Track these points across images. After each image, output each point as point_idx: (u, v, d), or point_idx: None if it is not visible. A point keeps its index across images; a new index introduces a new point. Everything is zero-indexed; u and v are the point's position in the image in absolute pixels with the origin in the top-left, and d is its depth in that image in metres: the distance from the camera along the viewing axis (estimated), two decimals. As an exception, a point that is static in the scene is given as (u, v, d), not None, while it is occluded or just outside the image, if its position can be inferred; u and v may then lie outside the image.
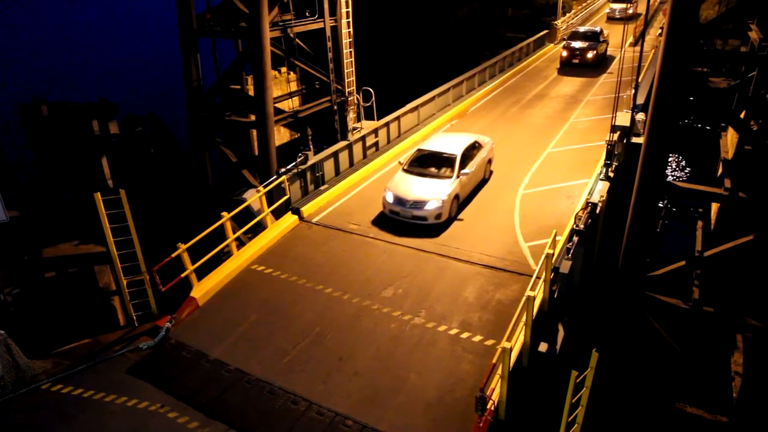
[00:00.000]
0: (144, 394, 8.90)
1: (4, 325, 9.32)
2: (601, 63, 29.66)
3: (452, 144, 14.67)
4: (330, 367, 9.28)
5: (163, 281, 10.28)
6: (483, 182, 15.55)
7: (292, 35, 19.03)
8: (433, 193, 13.17)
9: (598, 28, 30.37)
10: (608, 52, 31.67)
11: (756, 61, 14.30)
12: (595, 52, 28.63)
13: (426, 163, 14.28)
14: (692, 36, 9.49)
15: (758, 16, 15.54)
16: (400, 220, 13.36)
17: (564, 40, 30.64)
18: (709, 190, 10.89)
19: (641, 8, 41.41)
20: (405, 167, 14.29)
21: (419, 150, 14.76)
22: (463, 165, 13.98)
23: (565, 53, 29.23)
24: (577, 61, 28.84)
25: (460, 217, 13.87)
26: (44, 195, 17.27)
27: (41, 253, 14.12)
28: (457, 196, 13.67)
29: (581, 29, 30.94)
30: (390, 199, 13.50)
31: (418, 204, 13.08)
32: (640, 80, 16.34)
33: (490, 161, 15.94)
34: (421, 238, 12.90)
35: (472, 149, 14.82)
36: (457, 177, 13.62)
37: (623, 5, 42.22)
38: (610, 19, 42.68)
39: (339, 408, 8.48)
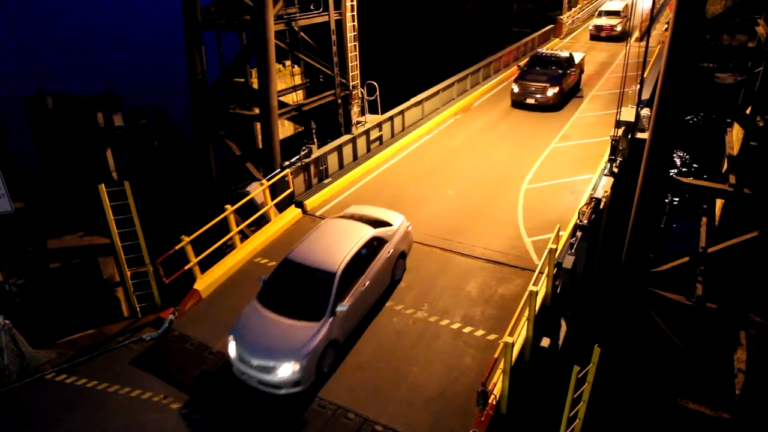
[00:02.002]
0: (147, 385, 8.96)
1: (9, 315, 9.38)
2: (568, 101, 22.08)
3: (335, 248, 9.59)
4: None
5: (167, 273, 10.32)
6: (393, 284, 10.85)
7: (296, 28, 18.96)
8: (290, 347, 8.36)
9: (566, 54, 22.85)
10: (586, 78, 25.09)
11: (763, 56, 14.19)
12: (558, 88, 20.83)
13: (290, 287, 9.34)
14: (698, 31, 9.43)
15: (766, 10, 15.40)
16: (248, 385, 8.69)
17: (519, 68, 22.75)
18: (714, 186, 10.84)
19: (636, 24, 34.37)
20: (262, 291, 9.38)
21: (287, 261, 9.66)
22: (343, 290, 9.09)
23: (516, 89, 21.42)
24: (533, 101, 21.02)
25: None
26: (49, 187, 17.32)
27: (46, 244, 14.19)
28: (333, 343, 8.85)
29: (545, 54, 23.22)
30: (231, 352, 8.71)
31: (266, 366, 8.32)
32: (645, 76, 16.25)
33: (403, 255, 11.10)
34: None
35: (368, 249, 9.94)
36: (332, 315, 8.79)
37: (611, 20, 33.44)
38: (594, 38, 33.76)
39: (341, 401, 8.51)
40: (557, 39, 34.46)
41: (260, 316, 8.95)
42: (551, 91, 20.84)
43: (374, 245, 10.15)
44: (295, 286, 9.35)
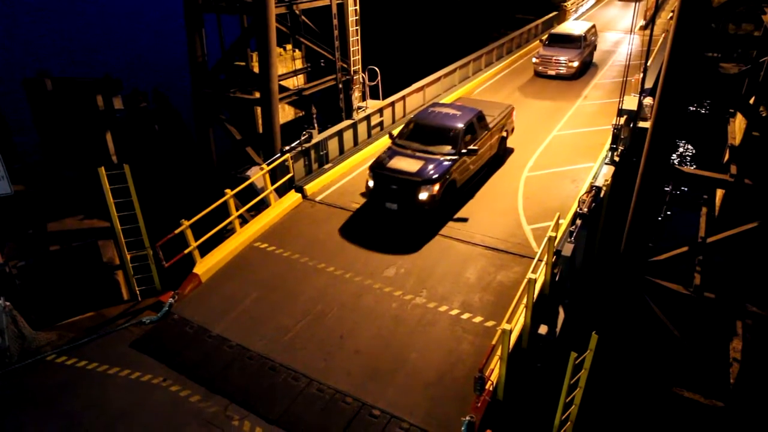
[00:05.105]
0: (146, 367, 9.03)
1: (10, 297, 9.41)
2: (450, 204, 12.94)
3: None
4: (331, 344, 9.36)
5: (167, 257, 10.35)
6: None
7: (297, 12, 18.81)
8: None
9: (471, 113, 13.85)
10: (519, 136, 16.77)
11: (768, 45, 14.09)
12: (438, 186, 12.02)
13: None
14: (704, 20, 9.34)
15: (772, -1, 15.22)
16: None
17: (391, 139, 13.89)
18: (715, 176, 10.81)
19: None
20: None
21: None
22: None
23: (370, 183, 12.70)
24: (394, 206, 12.31)
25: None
26: (49, 169, 17.30)
27: (46, 227, 14.21)
28: None
29: (435, 114, 13.94)
30: None
31: None
32: (648, 64, 16.14)
33: None
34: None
35: None
36: None
37: (564, 52, 23.08)
38: (540, 76, 23.67)
39: (339, 385, 8.58)
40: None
41: None
42: (424, 194, 11.99)
43: None
44: None
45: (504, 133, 15.66)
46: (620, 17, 36.60)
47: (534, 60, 23.97)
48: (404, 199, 12.23)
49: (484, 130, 14.18)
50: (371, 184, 12.74)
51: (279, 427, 7.97)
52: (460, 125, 13.35)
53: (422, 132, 13.55)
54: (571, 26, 25.59)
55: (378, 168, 12.72)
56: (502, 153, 15.76)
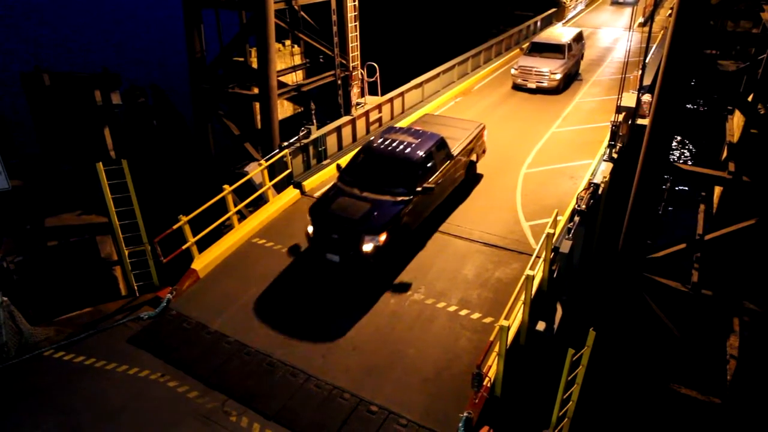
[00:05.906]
0: (144, 363, 9.02)
1: (8, 293, 9.41)
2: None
3: None
4: (329, 341, 9.36)
5: (165, 253, 10.34)
6: None
7: (296, 7, 18.75)
8: None
9: (416, 144, 11.76)
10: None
11: (767, 42, 14.09)
12: (384, 236, 10.20)
13: None
14: (703, 17, 9.33)
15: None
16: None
17: (339, 176, 11.79)
18: (713, 174, 10.83)
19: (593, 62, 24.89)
20: None
21: None
22: None
23: (310, 228, 10.90)
24: (335, 258, 10.51)
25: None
26: (47, 165, 17.26)
27: (44, 223, 14.19)
28: None
29: (381, 145, 11.98)
30: None
31: None
32: (647, 61, 16.14)
33: None
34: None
35: None
36: None
37: (546, 62, 21.01)
38: (518, 88, 21.64)
39: (337, 381, 8.58)
40: (560, 24, 34.16)
41: None
42: (369, 245, 10.26)
43: None
44: None
45: (473, 157, 13.68)
46: (618, 17, 36.54)
47: (513, 71, 21.72)
48: (346, 250, 10.34)
49: (446, 159, 12.21)
50: (311, 229, 10.82)
51: (276, 422, 7.98)
52: (416, 158, 11.38)
53: (372, 165, 11.61)
54: (556, 33, 23.61)
55: (318, 211, 10.84)
56: (472, 177, 13.98)
